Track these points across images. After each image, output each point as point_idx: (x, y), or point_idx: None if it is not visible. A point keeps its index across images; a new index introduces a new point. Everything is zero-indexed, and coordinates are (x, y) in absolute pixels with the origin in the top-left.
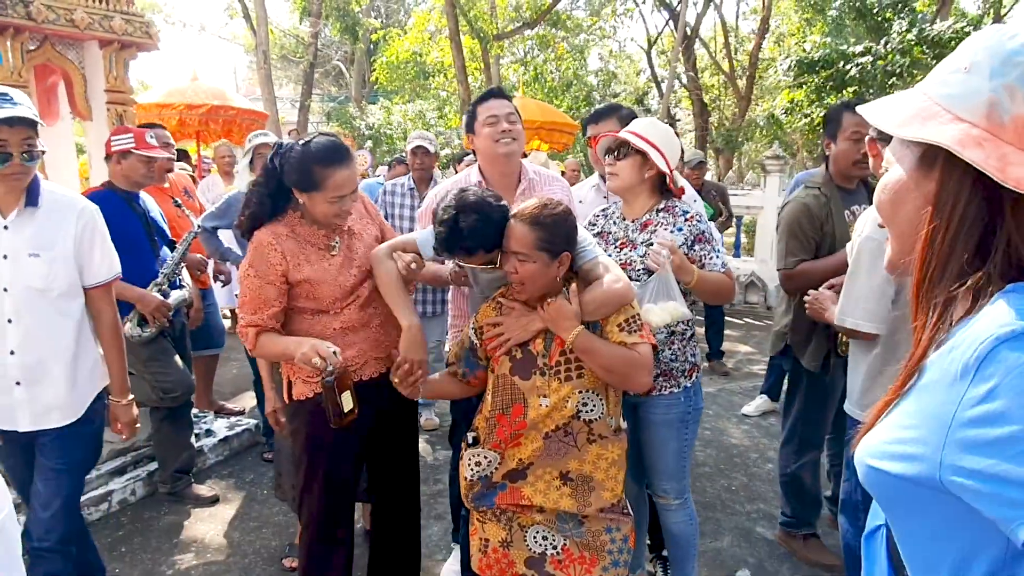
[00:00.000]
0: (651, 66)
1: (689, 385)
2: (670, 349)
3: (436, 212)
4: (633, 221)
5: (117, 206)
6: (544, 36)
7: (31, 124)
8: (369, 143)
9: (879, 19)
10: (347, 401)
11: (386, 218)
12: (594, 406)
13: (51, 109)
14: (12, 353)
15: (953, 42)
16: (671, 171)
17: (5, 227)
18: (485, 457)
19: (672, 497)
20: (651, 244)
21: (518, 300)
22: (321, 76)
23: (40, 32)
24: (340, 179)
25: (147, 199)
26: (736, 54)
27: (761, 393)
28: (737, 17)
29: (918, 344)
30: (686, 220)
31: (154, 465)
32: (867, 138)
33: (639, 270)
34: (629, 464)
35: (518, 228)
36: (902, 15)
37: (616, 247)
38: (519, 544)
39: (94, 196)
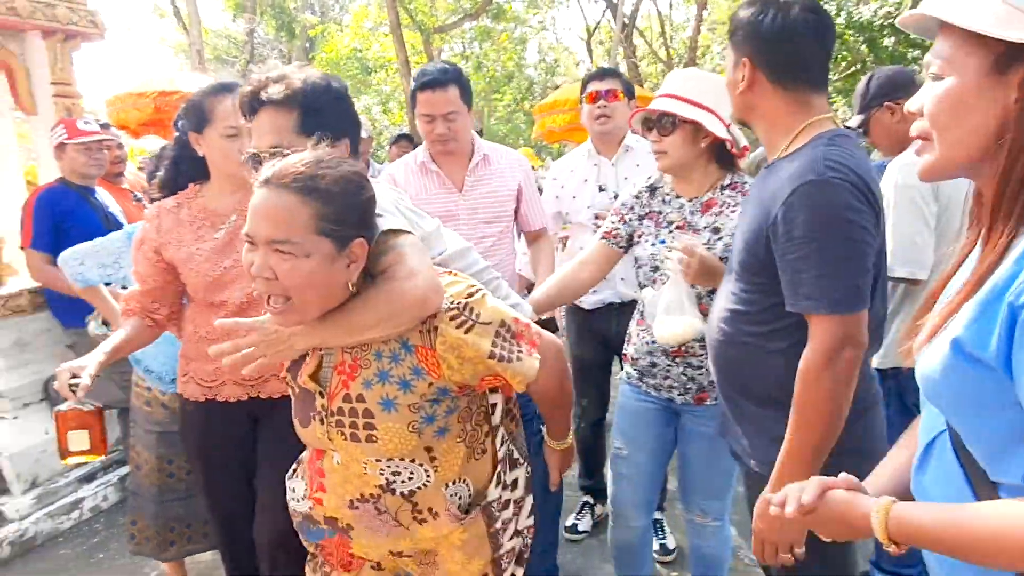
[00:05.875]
0: (591, 56)
1: None
2: None
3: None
4: (691, 200)
5: (73, 201)
6: (485, 28)
7: None
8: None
9: None
10: (79, 441)
11: None
12: (412, 474)
13: None
14: None
15: (880, 25)
16: (729, 130)
17: None
18: (301, 492)
19: (711, 518)
20: (716, 230)
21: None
22: None
23: None
24: (230, 106)
25: (104, 194)
26: (672, 42)
27: None
28: (671, 6)
29: (990, 254)
30: None
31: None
32: None
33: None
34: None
35: (274, 198)
36: (828, 1)
37: (669, 232)
38: None
39: (48, 192)
